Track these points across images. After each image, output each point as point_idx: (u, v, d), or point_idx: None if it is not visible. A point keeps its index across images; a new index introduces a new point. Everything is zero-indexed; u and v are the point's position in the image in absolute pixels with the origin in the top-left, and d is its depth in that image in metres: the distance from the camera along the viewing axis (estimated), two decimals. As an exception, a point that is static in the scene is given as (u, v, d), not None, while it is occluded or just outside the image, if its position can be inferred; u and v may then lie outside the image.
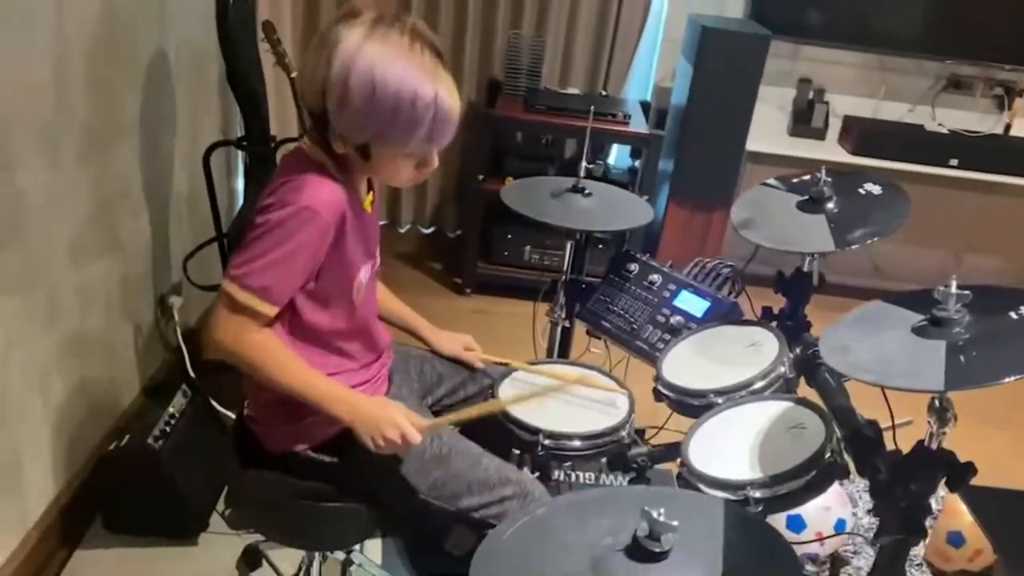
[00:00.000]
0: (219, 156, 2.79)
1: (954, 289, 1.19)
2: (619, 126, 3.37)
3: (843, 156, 3.65)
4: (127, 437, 2.13)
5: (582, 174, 2.08)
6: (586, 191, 2.09)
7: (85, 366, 2.19)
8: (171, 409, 2.24)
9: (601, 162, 3.41)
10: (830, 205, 1.68)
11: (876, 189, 1.70)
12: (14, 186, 1.78)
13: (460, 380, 1.84)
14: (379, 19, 1.35)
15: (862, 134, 3.62)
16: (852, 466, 1.41)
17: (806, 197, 1.71)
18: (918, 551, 2.25)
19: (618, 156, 3.96)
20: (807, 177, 1.75)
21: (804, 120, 3.77)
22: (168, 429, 2.18)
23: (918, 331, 1.21)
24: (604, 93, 3.75)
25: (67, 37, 1.92)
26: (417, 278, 3.77)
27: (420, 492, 1.56)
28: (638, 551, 1.02)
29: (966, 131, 3.70)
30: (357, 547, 2.00)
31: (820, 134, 3.78)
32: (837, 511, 2.27)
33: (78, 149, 2.03)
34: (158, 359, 2.66)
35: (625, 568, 1.01)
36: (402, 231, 4.11)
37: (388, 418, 1.41)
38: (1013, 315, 1.18)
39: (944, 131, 3.72)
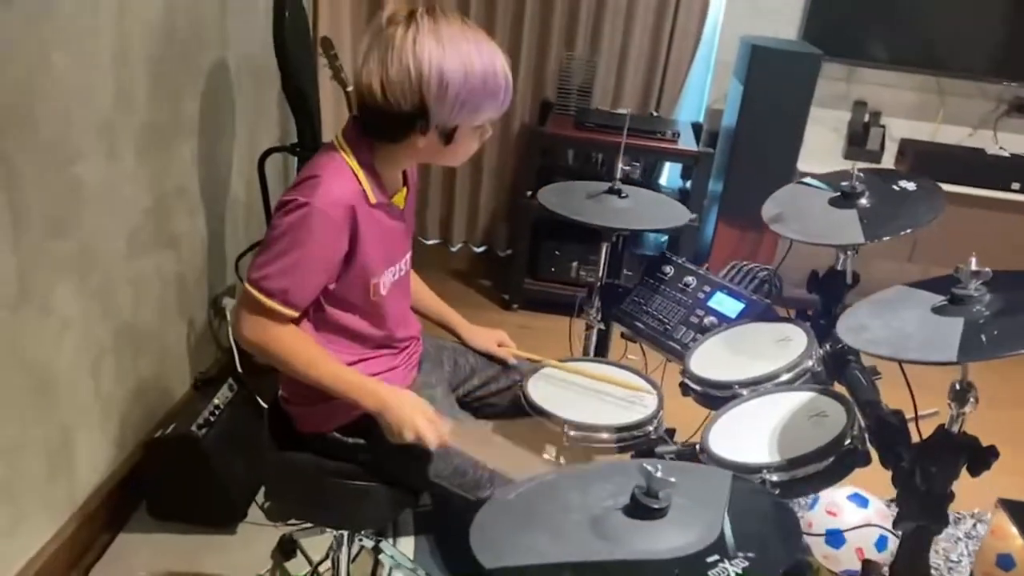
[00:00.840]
0: (276, 163, 2.90)
1: (973, 267, 1.17)
2: (667, 144, 3.38)
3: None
4: (172, 425, 2.21)
5: (618, 175, 2.10)
6: (622, 193, 2.11)
7: (137, 356, 2.28)
8: (216, 400, 2.31)
9: (637, 163, 3.39)
10: (862, 201, 1.67)
11: (910, 186, 1.68)
12: (73, 175, 1.89)
13: (492, 374, 1.87)
14: (431, 13, 1.42)
15: (918, 156, 3.56)
16: (876, 457, 1.38)
17: (838, 193, 1.70)
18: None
19: (670, 177, 3.97)
20: (840, 175, 1.74)
21: (859, 143, 3.73)
22: (212, 419, 2.25)
23: (937, 310, 1.20)
24: (655, 114, 3.77)
25: (129, 39, 2.04)
26: (466, 294, 3.82)
27: (442, 478, 1.59)
28: (637, 509, 1.02)
29: (1030, 155, 3.61)
30: (388, 540, 2.03)
31: (876, 157, 3.73)
32: (880, 528, 2.21)
33: (137, 146, 2.13)
34: (210, 358, 2.75)
35: (623, 525, 1.01)
36: (454, 250, 4.17)
37: (409, 420, 1.45)
38: (1035, 294, 1.16)
39: (1006, 154, 3.63)
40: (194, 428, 2.18)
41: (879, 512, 2.24)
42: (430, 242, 4.19)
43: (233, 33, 2.59)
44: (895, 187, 1.69)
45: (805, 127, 3.36)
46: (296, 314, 1.44)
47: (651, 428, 1.71)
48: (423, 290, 1.86)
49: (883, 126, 3.74)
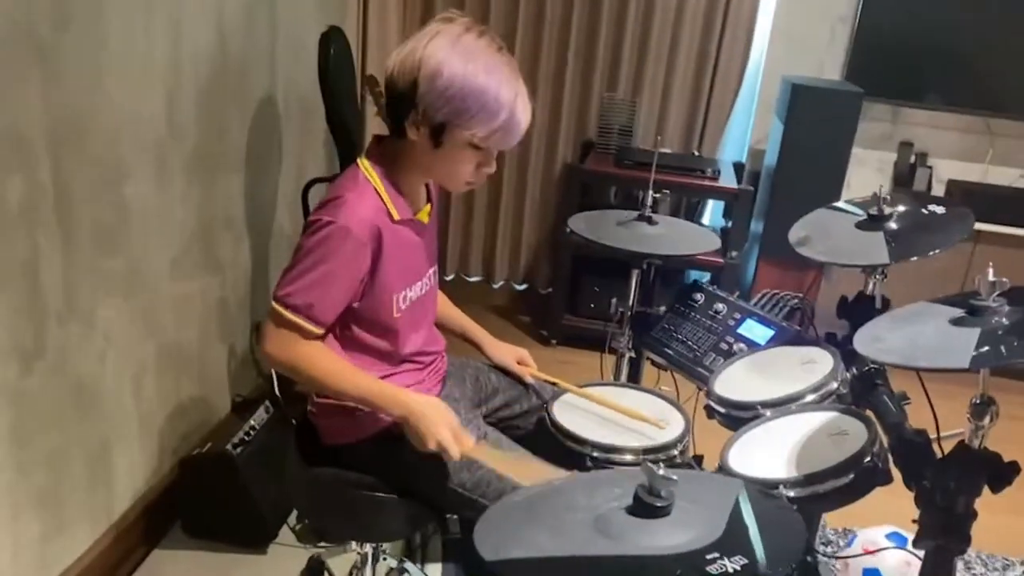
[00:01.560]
0: (319, 193, 2.97)
1: (990, 277, 1.16)
2: (708, 181, 3.40)
3: (946, 219, 3.53)
4: (208, 444, 2.26)
5: (649, 202, 2.12)
6: (652, 220, 2.12)
7: (178, 377, 2.34)
8: (252, 421, 2.36)
9: (667, 192, 3.36)
10: (890, 223, 1.66)
11: (939, 209, 1.66)
12: (122, 195, 1.98)
13: (516, 394, 1.88)
14: (473, 25, 1.49)
15: (966, 197, 3.50)
16: (900, 477, 1.35)
17: (865, 216, 1.69)
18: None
19: (713, 216, 3.97)
20: (870, 201, 1.73)
21: (905, 183, 3.69)
22: (247, 439, 2.30)
23: (955, 322, 1.18)
24: (697, 153, 3.79)
25: (181, 67, 2.14)
26: (505, 329, 3.84)
27: (465, 489, 1.60)
28: (639, 507, 1.02)
29: (1083, 196, 3.53)
30: (417, 565, 2.04)
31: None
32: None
33: (186, 171, 2.23)
34: (251, 383, 2.81)
35: (626, 523, 1.01)
36: (496, 287, 4.21)
37: (433, 429, 1.46)
38: (1057, 307, 1.14)
39: (1058, 195, 3.56)
40: (229, 447, 2.23)
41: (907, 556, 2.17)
42: (473, 279, 4.24)
43: (282, 66, 2.70)
44: (924, 210, 1.68)
45: (847, 167, 3.34)
46: (321, 330, 1.48)
47: (676, 452, 1.69)
48: (446, 304, 1.89)
49: (930, 167, 3.70)
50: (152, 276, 2.15)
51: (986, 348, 1.06)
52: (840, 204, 1.81)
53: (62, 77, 1.73)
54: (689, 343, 2.05)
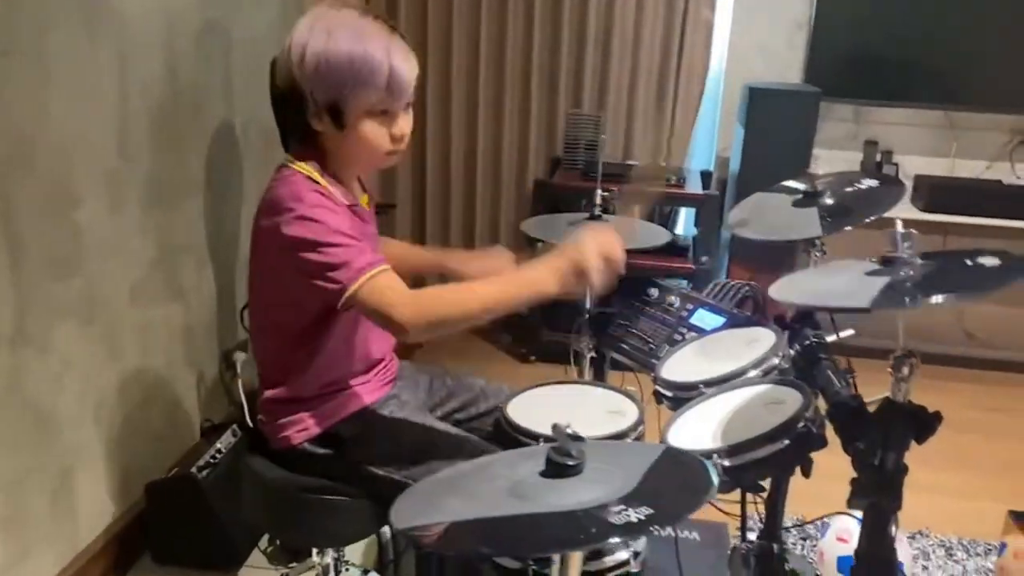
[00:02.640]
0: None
1: (900, 229, 1.17)
2: (673, 189, 3.43)
3: (915, 214, 3.54)
4: (174, 469, 2.25)
5: (597, 201, 2.14)
6: (602, 219, 2.14)
7: (145, 403, 2.34)
8: (218, 445, 2.35)
9: (613, 191, 3.35)
10: (824, 199, 1.67)
11: (873, 183, 1.68)
12: (74, 221, 2.00)
13: (470, 397, 1.88)
14: (334, 3, 1.50)
15: (932, 191, 3.52)
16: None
17: (800, 195, 1.70)
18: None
19: (686, 226, 3.99)
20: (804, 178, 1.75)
21: (873, 181, 3.71)
22: (213, 462, 2.29)
23: (870, 273, 1.19)
24: (664, 164, 3.82)
25: (130, 95, 2.18)
26: (484, 349, 3.84)
27: (414, 481, 1.59)
28: (552, 469, 1.02)
29: (1050, 184, 3.55)
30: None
31: (892, 195, 3.70)
32: (892, 553, 2.12)
33: (142, 197, 2.25)
34: (222, 411, 2.80)
35: (539, 485, 1.01)
36: (476, 309, 4.20)
37: (581, 250, 1.41)
38: (968, 262, 1.15)
39: (1023, 184, 3.57)
40: (194, 470, 2.22)
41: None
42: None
43: (239, 93, 2.74)
44: (859, 185, 1.69)
45: (809, 167, 3.36)
46: (386, 265, 1.40)
47: (631, 439, 1.69)
48: (406, 249, 1.90)
49: (896, 164, 3.72)
50: (111, 302, 2.17)
51: (887, 293, 1.06)
52: (778, 186, 1.82)
53: (5, 103, 1.76)
54: (644, 337, 2.05)
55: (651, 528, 0.90)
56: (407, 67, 1.48)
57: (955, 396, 3.44)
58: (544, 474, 1.02)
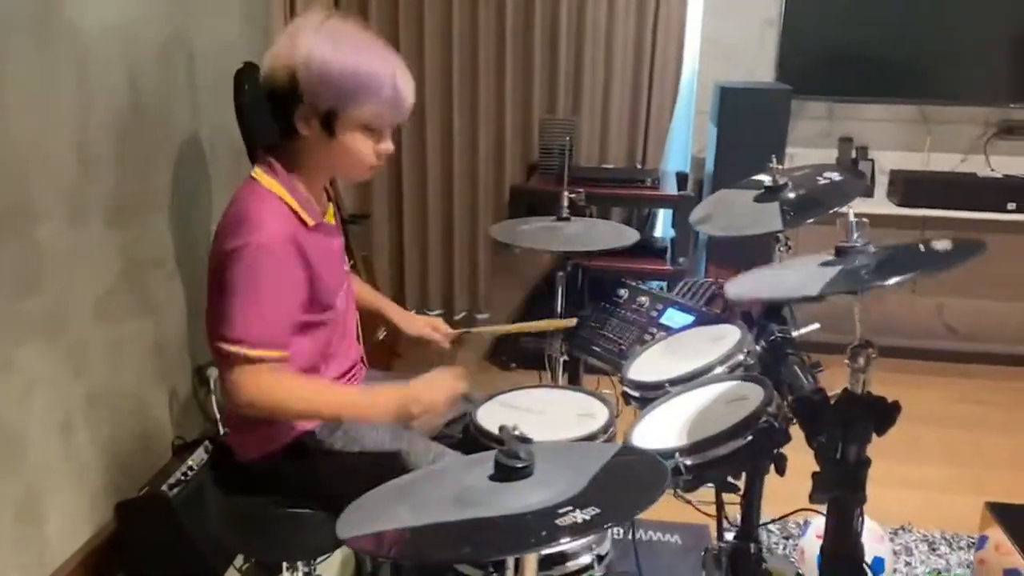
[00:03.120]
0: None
1: (852, 217, 1.15)
2: (649, 191, 3.42)
3: (892, 209, 3.55)
4: (145, 488, 2.22)
5: (564, 203, 2.12)
6: (570, 221, 2.13)
7: (115, 421, 2.31)
8: (190, 462, 2.32)
9: (580, 193, 3.36)
10: (786, 193, 1.66)
11: (836, 176, 1.67)
12: (34, 238, 1.97)
13: (440, 406, 1.86)
14: (335, 12, 1.54)
15: (907, 185, 3.52)
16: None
17: (762, 190, 1.69)
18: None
19: (664, 228, 3.98)
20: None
21: (849, 178, 3.70)
22: (185, 479, 2.26)
23: (824, 264, 1.18)
24: (640, 166, 3.82)
25: (90, 109, 2.15)
26: (465, 357, 3.81)
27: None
28: (500, 472, 1.00)
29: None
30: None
31: (867, 191, 3.70)
32: (873, 547, 2.10)
33: (106, 211, 2.22)
34: (197, 427, 2.77)
35: (488, 490, 0.99)
36: (457, 318, 4.19)
37: (424, 389, 1.47)
38: (921, 247, 1.14)
39: (998, 176, 3.57)
40: (164, 488, 2.19)
41: (872, 533, 2.14)
42: (433, 313, 4.22)
43: (205, 106, 2.71)
44: (820, 179, 1.68)
45: (785, 164, 3.35)
46: (285, 354, 1.44)
47: (601, 441, 1.67)
48: (366, 290, 1.92)
49: (871, 160, 3.72)
50: (76, 318, 2.13)
51: (836, 280, 1.05)
52: (743, 182, 1.81)
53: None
54: (614, 338, 2.04)
55: (598, 528, 0.88)
56: (408, 88, 1.50)
57: (938, 391, 3.44)
58: (493, 478, 1.00)
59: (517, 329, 1.84)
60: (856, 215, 1.15)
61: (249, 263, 1.40)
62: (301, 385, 1.47)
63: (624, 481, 0.99)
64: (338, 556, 2.28)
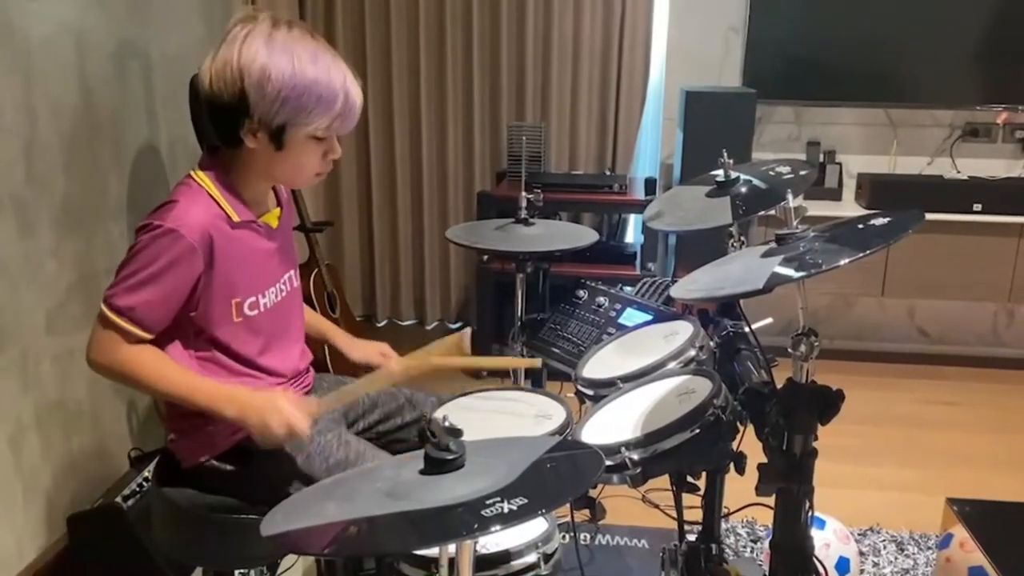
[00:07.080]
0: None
1: (791, 203, 1.14)
2: (617, 196, 3.41)
3: (860, 212, 3.55)
4: (99, 500, 2.17)
5: (523, 204, 2.10)
6: (529, 222, 2.11)
7: (67, 434, 2.26)
8: (146, 473, 2.27)
9: (538, 193, 3.33)
10: (738, 188, 1.65)
11: (785, 170, 1.66)
12: (-22, 247, 1.93)
13: (394, 408, 1.83)
14: (277, 18, 1.46)
15: (875, 188, 3.53)
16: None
17: (713, 184, 1.68)
18: None
19: (635, 235, 3.97)
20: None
21: (817, 182, 3.71)
22: (140, 490, 2.21)
23: (764, 255, 1.16)
24: (609, 172, 3.81)
25: (37, 118, 2.11)
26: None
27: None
28: (431, 465, 0.97)
29: (989, 177, 3.58)
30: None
31: (835, 194, 3.71)
32: (838, 548, 2.08)
33: (56, 222, 2.18)
34: (158, 440, 2.71)
35: (417, 483, 0.96)
36: (429, 328, 4.16)
37: (273, 408, 1.41)
38: (859, 226, 1.12)
39: (964, 177, 3.59)
40: (119, 499, 2.14)
41: (837, 533, 2.12)
42: (406, 323, 4.20)
43: (163, 114, 2.68)
44: (771, 172, 1.67)
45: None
46: (146, 335, 1.42)
47: (555, 442, 1.65)
48: (314, 316, 1.87)
49: (839, 163, 3.73)
50: (24, 330, 2.09)
51: (781, 270, 1.03)
52: (696, 178, 1.80)
53: None
54: (573, 339, 2.02)
55: (524, 517, 0.85)
56: (358, 95, 1.48)
57: (909, 392, 3.44)
58: (424, 472, 0.97)
59: (476, 365, 1.78)
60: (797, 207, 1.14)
61: (150, 240, 1.41)
62: (154, 361, 1.44)
63: (557, 473, 0.97)
64: (300, 565, 2.25)
